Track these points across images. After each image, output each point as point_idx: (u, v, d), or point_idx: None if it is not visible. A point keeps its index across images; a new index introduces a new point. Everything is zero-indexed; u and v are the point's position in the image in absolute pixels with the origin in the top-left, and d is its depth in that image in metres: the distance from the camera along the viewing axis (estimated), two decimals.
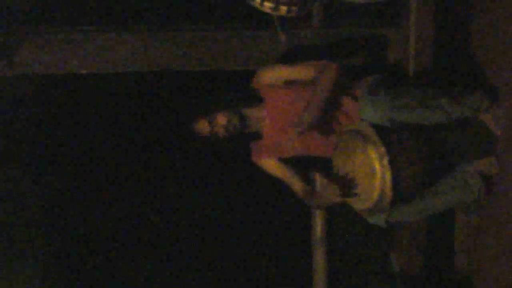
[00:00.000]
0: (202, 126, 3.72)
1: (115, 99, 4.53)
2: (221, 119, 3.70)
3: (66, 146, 4.60)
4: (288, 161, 3.86)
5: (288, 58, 4.07)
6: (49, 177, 4.64)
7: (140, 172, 4.67)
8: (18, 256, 4.64)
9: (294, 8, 3.46)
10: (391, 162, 3.35)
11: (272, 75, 3.80)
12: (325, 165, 3.69)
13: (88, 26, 4.15)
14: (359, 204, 3.52)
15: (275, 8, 3.44)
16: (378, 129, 3.43)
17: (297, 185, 3.81)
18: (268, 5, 3.43)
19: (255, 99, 3.80)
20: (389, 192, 3.37)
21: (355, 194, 3.49)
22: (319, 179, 3.50)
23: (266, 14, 3.50)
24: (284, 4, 3.42)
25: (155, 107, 4.55)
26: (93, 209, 4.66)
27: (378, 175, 3.37)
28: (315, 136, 3.74)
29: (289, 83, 3.78)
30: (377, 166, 3.37)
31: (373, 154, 3.38)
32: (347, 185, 3.50)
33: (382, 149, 3.36)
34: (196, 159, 4.60)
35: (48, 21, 4.22)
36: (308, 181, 3.75)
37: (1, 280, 4.59)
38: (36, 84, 4.43)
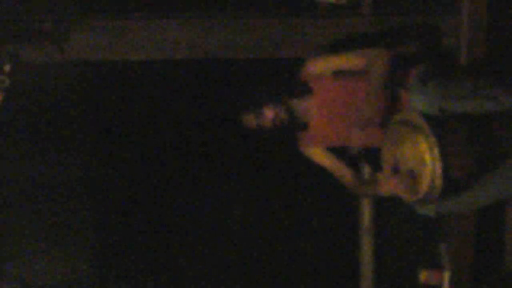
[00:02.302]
0: (249, 119, 3.70)
1: (164, 86, 4.55)
2: (268, 113, 3.67)
3: (116, 133, 4.63)
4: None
5: (337, 47, 4.04)
6: (98, 165, 4.68)
7: (191, 162, 4.68)
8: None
9: None
10: (441, 152, 3.31)
11: (321, 65, 3.76)
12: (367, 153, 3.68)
13: (138, 13, 4.17)
14: (408, 194, 3.48)
15: None
16: (429, 118, 3.39)
17: (346, 173, 3.78)
18: None
19: (303, 89, 3.77)
20: (439, 183, 3.32)
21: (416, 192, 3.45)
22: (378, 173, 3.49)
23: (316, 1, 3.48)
24: None
25: (202, 96, 4.55)
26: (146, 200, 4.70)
27: (428, 165, 3.32)
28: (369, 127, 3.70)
29: (338, 73, 3.74)
30: (427, 156, 3.33)
31: (423, 144, 3.34)
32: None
33: (432, 139, 3.32)
34: (245, 148, 4.59)
35: (98, 7, 4.24)
36: (356, 169, 3.74)
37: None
38: (85, 70, 4.46)
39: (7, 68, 3.90)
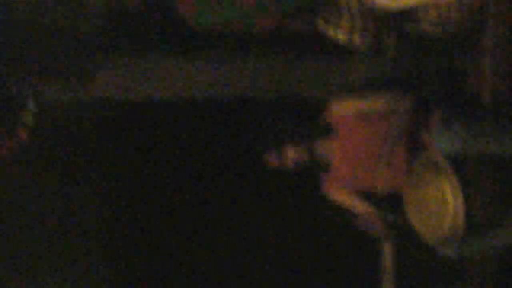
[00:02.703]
0: (272, 158, 3.71)
1: (187, 124, 4.56)
2: (291, 154, 3.68)
3: (138, 170, 4.64)
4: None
5: (361, 89, 4.04)
6: (117, 202, 4.69)
7: (210, 202, 4.67)
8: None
9: (367, 39, 3.45)
10: (464, 193, 3.30)
11: (344, 107, 3.77)
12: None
13: (162, 52, 4.20)
14: (430, 235, 3.46)
15: (349, 38, 3.44)
16: (452, 159, 3.38)
17: (369, 215, 3.77)
18: (342, 34, 3.44)
19: (326, 130, 3.77)
20: (461, 224, 3.31)
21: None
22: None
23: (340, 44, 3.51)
24: (357, 34, 3.42)
25: (225, 135, 4.56)
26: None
27: (451, 206, 3.31)
28: (392, 169, 3.70)
29: (361, 115, 3.75)
30: (449, 197, 3.32)
31: (446, 184, 3.33)
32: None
33: (455, 180, 3.31)
34: (267, 186, 4.58)
35: (123, 45, 4.28)
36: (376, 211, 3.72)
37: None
38: (109, 108, 4.48)
39: (31, 105, 3.93)
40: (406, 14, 3.51)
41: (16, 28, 4.26)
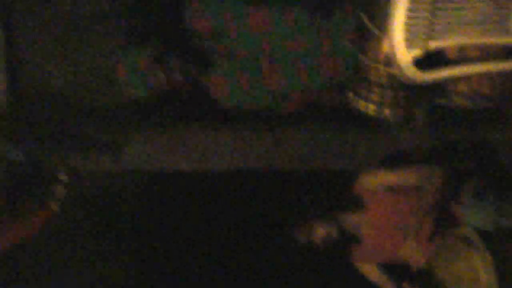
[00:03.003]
0: (300, 235, 3.69)
1: (214, 196, 4.56)
2: (320, 232, 3.66)
3: (168, 241, 4.63)
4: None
5: (391, 161, 4.03)
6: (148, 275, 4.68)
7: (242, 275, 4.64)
8: None
9: (398, 111, 3.45)
10: (496, 270, 3.24)
11: (374, 180, 3.76)
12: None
13: (193, 123, 4.23)
14: None
15: (379, 111, 3.44)
16: (483, 234, 3.34)
17: None
18: (372, 107, 3.44)
19: (356, 204, 3.75)
20: None
21: None
22: None
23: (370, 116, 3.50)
24: (387, 107, 3.42)
25: (255, 207, 4.55)
26: None
27: (483, 283, 3.26)
28: (420, 242, 3.66)
29: (392, 188, 3.72)
30: (482, 273, 3.26)
31: (478, 260, 3.28)
32: None
33: (487, 256, 3.26)
34: (294, 258, 4.55)
35: (154, 118, 4.32)
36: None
37: None
38: (140, 179, 4.51)
39: (63, 178, 3.96)
40: (436, 87, 3.50)
41: (49, 102, 4.33)
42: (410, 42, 3.22)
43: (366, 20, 3.34)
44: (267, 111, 3.81)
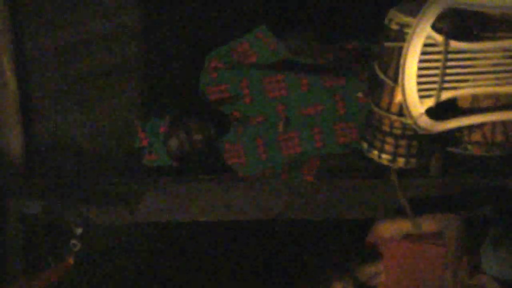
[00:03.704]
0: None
1: (230, 246, 4.56)
2: (337, 286, 3.63)
3: None
4: None
5: (407, 209, 4.00)
6: None
7: None
8: None
9: (412, 160, 3.43)
10: None
11: (390, 228, 3.74)
12: None
13: (205, 176, 4.23)
14: None
15: (393, 160, 3.42)
16: (503, 283, 3.31)
17: None
18: (386, 157, 3.42)
19: (371, 253, 3.73)
20: None
21: None
22: None
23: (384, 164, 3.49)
24: (401, 156, 3.41)
25: (268, 257, 4.54)
26: None
27: None
28: None
29: (408, 236, 3.70)
30: None
31: None
32: None
33: None
34: None
35: (167, 170, 4.33)
36: None
37: None
38: (154, 231, 4.51)
39: (78, 231, 3.96)
40: (449, 135, 3.49)
41: (65, 155, 4.35)
42: (422, 93, 3.22)
43: (378, 71, 3.34)
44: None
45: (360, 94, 3.56)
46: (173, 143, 3.41)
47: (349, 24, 4.33)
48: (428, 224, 3.69)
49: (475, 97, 3.36)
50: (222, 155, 3.64)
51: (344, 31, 4.09)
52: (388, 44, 3.26)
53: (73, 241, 3.93)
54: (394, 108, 3.33)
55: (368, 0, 4.25)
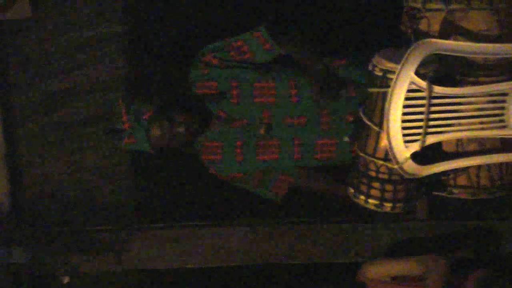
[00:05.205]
0: None
1: None
2: None
3: None
4: None
5: (394, 252, 4.02)
6: None
7: None
8: None
9: (398, 204, 3.45)
10: None
11: (378, 270, 3.74)
12: None
13: (193, 221, 4.23)
14: None
15: (380, 205, 3.44)
16: None
17: None
18: (372, 202, 3.44)
19: None
20: None
21: None
22: None
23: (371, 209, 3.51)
24: (388, 201, 3.43)
25: None
26: None
27: None
28: None
29: (396, 278, 3.71)
30: None
31: None
32: None
33: None
34: None
35: (154, 216, 4.33)
36: None
37: None
38: (142, 278, 4.48)
39: (65, 280, 3.94)
40: (435, 180, 3.52)
41: (50, 202, 4.34)
42: (407, 137, 3.24)
43: (363, 116, 3.37)
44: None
45: (346, 139, 3.59)
46: (155, 131, 3.43)
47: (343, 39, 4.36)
48: (415, 267, 3.70)
49: (460, 141, 3.39)
50: (198, 150, 3.66)
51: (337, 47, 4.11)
52: (372, 89, 3.29)
53: None
54: (380, 153, 3.35)
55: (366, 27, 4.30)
